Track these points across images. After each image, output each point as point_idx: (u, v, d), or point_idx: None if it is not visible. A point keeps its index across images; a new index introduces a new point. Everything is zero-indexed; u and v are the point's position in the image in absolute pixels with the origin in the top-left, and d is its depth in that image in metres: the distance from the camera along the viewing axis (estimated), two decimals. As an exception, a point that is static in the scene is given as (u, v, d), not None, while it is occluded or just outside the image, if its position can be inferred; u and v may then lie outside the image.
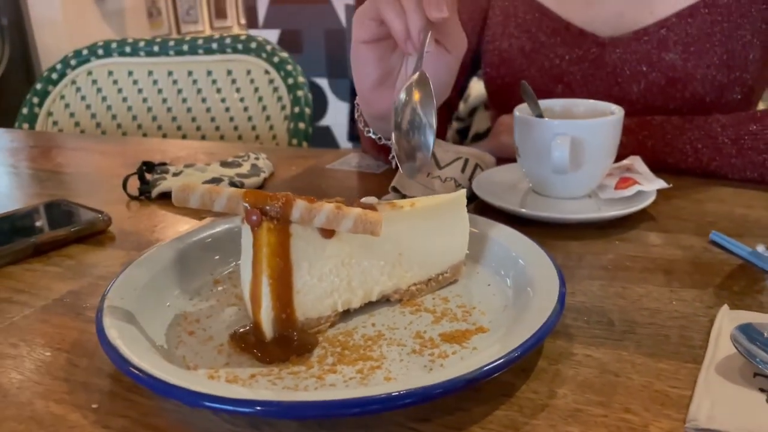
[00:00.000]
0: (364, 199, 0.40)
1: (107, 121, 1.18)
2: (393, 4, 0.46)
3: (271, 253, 0.35)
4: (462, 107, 1.25)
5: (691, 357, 0.34)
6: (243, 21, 5.89)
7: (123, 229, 0.56)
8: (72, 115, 1.19)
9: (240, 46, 1.12)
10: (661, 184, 0.53)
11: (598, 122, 0.51)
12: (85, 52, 1.19)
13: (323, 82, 3.87)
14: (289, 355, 0.34)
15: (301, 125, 1.06)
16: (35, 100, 1.17)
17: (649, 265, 0.45)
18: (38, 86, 1.18)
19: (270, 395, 0.30)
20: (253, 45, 1.12)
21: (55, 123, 1.18)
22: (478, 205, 0.56)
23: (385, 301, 0.40)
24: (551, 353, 0.35)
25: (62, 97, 1.19)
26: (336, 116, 3.57)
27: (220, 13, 5.88)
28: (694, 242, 0.48)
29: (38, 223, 0.55)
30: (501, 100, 0.80)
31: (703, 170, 0.62)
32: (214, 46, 1.14)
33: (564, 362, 0.34)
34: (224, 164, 0.68)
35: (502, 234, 0.45)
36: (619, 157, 0.60)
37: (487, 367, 0.30)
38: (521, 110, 0.54)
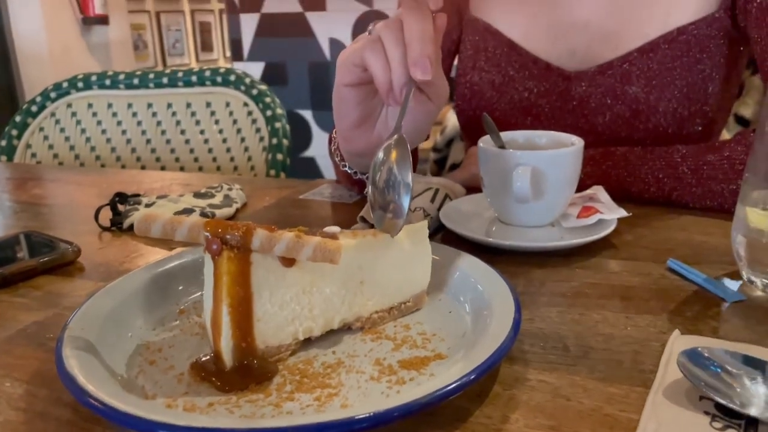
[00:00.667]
0: (326, 229, 0.41)
1: (86, 153, 1.19)
2: (378, 55, 0.47)
3: (231, 281, 0.36)
4: (439, 138, 1.27)
5: (642, 381, 0.35)
6: (228, 54, 5.96)
7: (93, 260, 0.56)
8: (51, 147, 1.19)
9: (219, 79, 1.14)
10: (621, 213, 0.55)
11: (558, 153, 0.53)
12: (65, 84, 1.20)
13: (307, 114, 3.91)
14: (248, 384, 0.35)
15: (279, 156, 1.07)
16: (14, 132, 1.18)
17: (607, 291, 0.46)
18: (17, 119, 1.18)
19: (226, 423, 0.30)
20: (233, 78, 1.13)
21: (33, 155, 1.18)
22: (445, 234, 0.57)
23: (346, 329, 0.40)
24: (506, 378, 0.36)
25: (41, 129, 1.19)
26: (320, 148, 3.59)
27: (206, 46, 5.94)
28: (652, 269, 0.49)
29: (7, 255, 0.55)
30: (473, 132, 0.82)
31: (665, 199, 0.63)
32: (194, 78, 1.15)
33: (518, 387, 0.35)
34: (197, 195, 0.69)
35: (465, 262, 0.46)
36: (585, 187, 0.62)
37: (440, 392, 0.30)
38: (485, 142, 0.56)
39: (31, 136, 1.19)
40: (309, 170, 3.88)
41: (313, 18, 3.75)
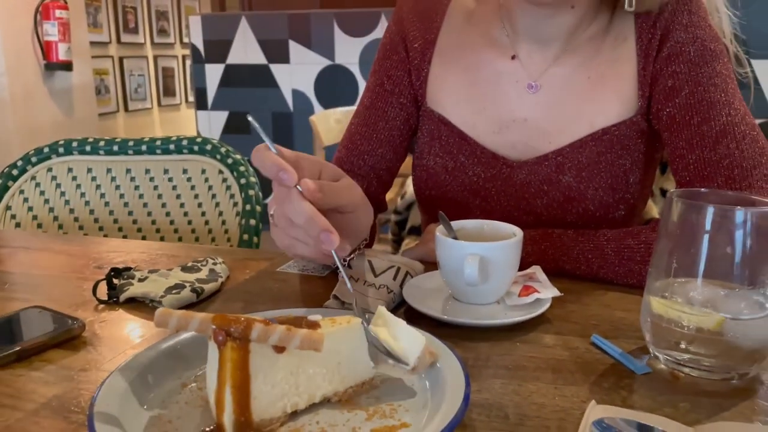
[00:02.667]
0: (310, 317, 0.49)
1: (65, 216, 1.25)
2: (298, 248, 0.62)
3: (233, 367, 0.44)
4: (399, 203, 1.38)
5: (564, 444, 0.44)
6: (191, 99, 6.03)
7: (95, 333, 0.63)
8: (30, 209, 1.25)
9: (196, 147, 1.22)
10: (555, 292, 0.65)
11: (501, 244, 0.63)
12: (46, 149, 1.26)
13: (270, 162, 3.98)
14: (248, 451, 0.43)
15: (252, 222, 1.15)
16: (-6, 194, 1.23)
17: (541, 364, 0.56)
18: (-2, 181, 1.24)
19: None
20: (209, 147, 1.22)
21: (13, 216, 1.24)
22: (407, 309, 0.66)
23: (327, 401, 0.49)
24: (458, 444, 0.44)
25: (21, 191, 1.25)
26: (282, 196, 3.65)
27: (168, 91, 6.00)
28: (579, 344, 0.59)
29: (19, 330, 0.61)
30: (429, 208, 0.92)
31: (594, 276, 0.74)
32: (171, 147, 1.23)
33: (467, 451, 0.44)
34: (185, 269, 0.77)
35: (427, 341, 0.55)
36: (526, 263, 0.72)
37: (404, 458, 0.39)
38: (441, 232, 0.66)
39: (11, 198, 1.24)
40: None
41: (277, 70, 3.88)
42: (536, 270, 0.71)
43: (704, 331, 0.51)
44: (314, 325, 0.48)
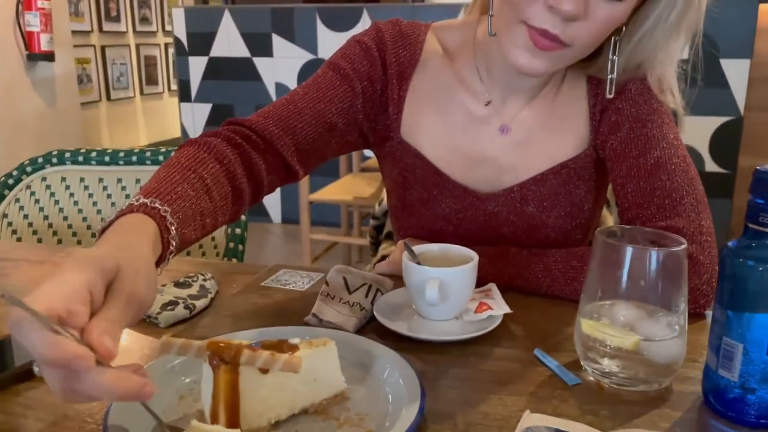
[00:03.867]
0: (290, 340, 0.58)
1: (59, 223, 1.32)
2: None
3: (225, 386, 0.52)
4: (377, 209, 1.46)
5: (500, 448, 0.53)
6: (174, 87, 6.04)
7: (100, 348, 0.71)
8: (26, 216, 1.32)
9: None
10: (506, 309, 0.74)
11: (459, 269, 0.72)
12: (40, 160, 1.33)
13: (253, 154, 4.05)
14: (238, 456, 0.52)
15: (238, 231, 1.23)
16: (-9, 203, 1.30)
17: (490, 377, 0.65)
18: (-5, 191, 1.30)
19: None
20: (196, 159, 1.29)
21: (9, 224, 1.30)
22: (377, 325, 0.75)
23: (304, 412, 0.58)
24: (413, 448, 0.54)
25: (17, 200, 1.32)
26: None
27: (150, 80, 6.01)
28: (523, 357, 0.69)
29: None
30: (403, 228, 1.00)
31: (544, 293, 0.83)
32: (161, 157, 1.30)
33: (420, 454, 0.53)
34: (177, 285, 0.85)
35: (389, 356, 0.64)
36: (484, 280, 0.81)
37: (367, 462, 0.48)
38: (407, 257, 0.75)
39: (8, 206, 1.31)
40: (260, 210, 4.02)
41: (260, 63, 3.93)
42: (492, 287, 0.80)
43: (623, 350, 0.61)
44: (294, 348, 0.56)
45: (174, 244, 0.64)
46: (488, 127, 0.92)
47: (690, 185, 0.81)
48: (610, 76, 0.82)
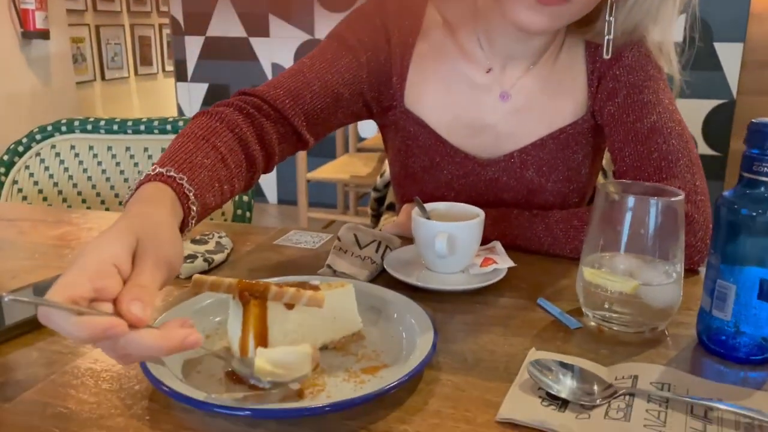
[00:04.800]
0: (311, 281, 0.62)
1: (69, 190, 1.34)
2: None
3: (255, 320, 0.56)
4: (379, 181, 1.49)
5: (509, 379, 0.57)
6: (169, 68, 6.02)
7: (123, 296, 0.74)
8: (36, 183, 1.34)
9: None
10: (510, 263, 0.78)
11: (466, 224, 0.75)
12: (49, 128, 1.35)
13: (250, 134, 4.06)
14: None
15: (245, 198, 1.27)
16: (1, 170, 1.32)
17: (495, 321, 0.69)
18: (5, 157, 1.33)
19: (256, 405, 0.51)
20: (203, 128, 1.32)
21: (20, 190, 1.33)
22: (388, 277, 0.78)
23: (325, 348, 0.61)
24: (427, 378, 0.57)
25: (27, 167, 1.34)
26: (263, 168, 3.74)
27: (145, 60, 5.98)
28: (527, 305, 0.73)
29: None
30: (406, 195, 1.04)
31: (545, 252, 0.87)
32: (168, 127, 1.33)
33: (434, 384, 0.57)
34: (194, 241, 0.88)
35: (401, 301, 0.68)
36: (487, 239, 0.85)
37: (387, 388, 0.52)
38: (416, 213, 0.78)
39: (18, 173, 1.33)
40: (254, 189, 4.03)
41: (257, 43, 3.93)
42: (496, 244, 0.84)
43: (623, 294, 0.65)
44: (316, 288, 0.60)
45: (194, 209, 0.66)
46: (489, 95, 0.95)
47: (685, 148, 0.85)
48: (607, 37, 0.86)
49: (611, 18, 0.85)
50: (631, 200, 0.63)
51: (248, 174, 0.82)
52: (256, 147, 0.82)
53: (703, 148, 3.24)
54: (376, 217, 1.47)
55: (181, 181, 0.66)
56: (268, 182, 4.12)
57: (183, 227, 0.65)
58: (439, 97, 0.96)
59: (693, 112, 3.21)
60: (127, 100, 5.86)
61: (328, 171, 3.04)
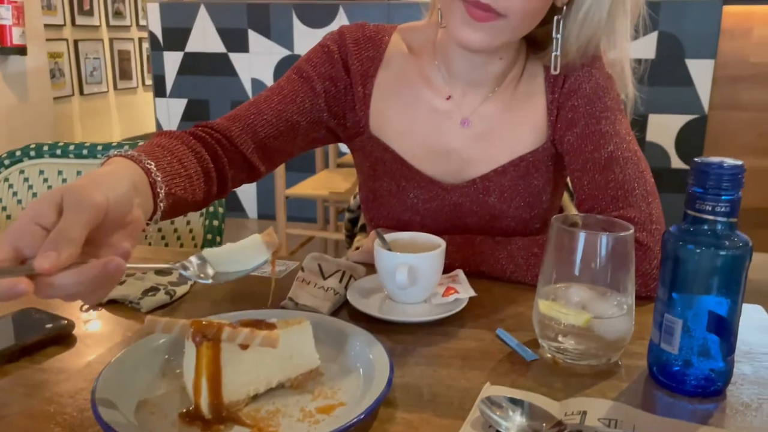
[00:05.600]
0: (268, 320, 0.62)
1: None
2: None
3: (208, 361, 0.56)
4: (352, 202, 1.50)
5: (462, 416, 0.58)
6: (148, 82, 5.99)
7: (84, 331, 0.74)
8: (4, 209, 1.33)
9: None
10: (471, 293, 0.79)
11: (426, 255, 0.76)
12: (18, 153, 1.34)
13: (229, 149, 4.06)
14: (220, 426, 0.55)
15: (215, 222, 1.27)
16: (-31, 195, 1.31)
17: (454, 353, 0.70)
18: (-27, 183, 1.32)
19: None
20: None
21: (-13, 216, 1.32)
22: (351, 307, 0.79)
23: (281, 386, 0.62)
24: (383, 416, 0.58)
25: (-5, 192, 1.33)
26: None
27: (124, 74, 5.96)
28: (486, 336, 0.74)
29: (19, 328, 0.72)
30: (374, 218, 1.05)
31: (507, 279, 0.88)
32: (138, 151, 1.33)
33: (389, 422, 0.57)
34: (158, 273, 0.88)
35: (360, 335, 0.68)
36: (451, 266, 0.86)
37: (341, 428, 0.52)
38: (378, 244, 0.79)
39: (-15, 199, 1.32)
40: (236, 204, 4.04)
41: (236, 58, 3.93)
42: (459, 273, 0.85)
43: (576, 327, 0.66)
44: (272, 326, 0.60)
45: (159, 180, 0.69)
46: (450, 121, 0.97)
47: (641, 177, 0.87)
48: (554, 53, 0.89)
49: (558, 35, 0.87)
50: (581, 235, 0.65)
51: (205, 187, 0.84)
52: (210, 165, 0.85)
53: (676, 162, 3.29)
54: (350, 237, 1.48)
55: (135, 155, 0.69)
56: (248, 197, 4.11)
57: (155, 199, 0.69)
58: (403, 122, 0.98)
59: (666, 127, 3.26)
60: (105, 115, 5.82)
61: (307, 187, 3.04)
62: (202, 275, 0.61)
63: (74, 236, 0.51)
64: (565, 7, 0.86)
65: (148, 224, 0.68)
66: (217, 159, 0.87)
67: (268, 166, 0.96)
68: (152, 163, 0.70)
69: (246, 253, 0.62)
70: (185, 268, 0.62)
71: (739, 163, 0.58)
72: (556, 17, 0.87)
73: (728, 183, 0.57)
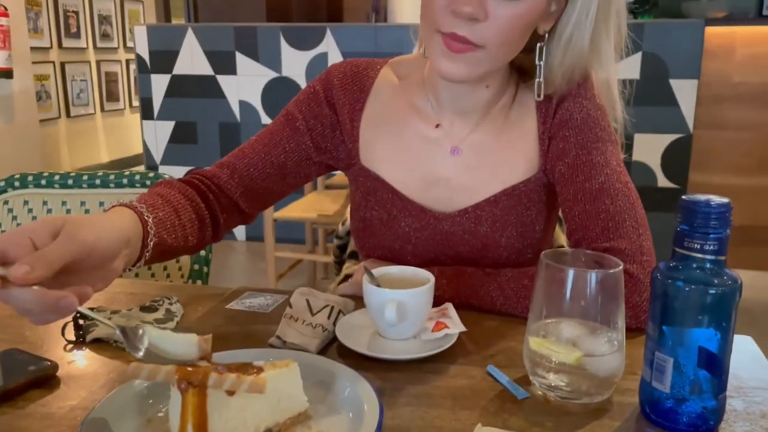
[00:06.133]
0: (255, 363, 0.61)
1: None
2: None
3: (193, 408, 0.55)
4: (340, 229, 1.50)
5: (453, 460, 0.57)
6: (135, 104, 5.98)
7: (67, 373, 0.73)
8: (-13, 240, 1.31)
9: (148, 182, 1.31)
10: (461, 328, 0.78)
11: (415, 291, 0.76)
12: (2, 183, 1.33)
13: (217, 171, 4.04)
14: (205, 475, 0.54)
15: (203, 252, 1.25)
16: (-48, 227, 1.29)
17: (444, 392, 0.69)
18: (-45, 215, 1.30)
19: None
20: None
21: (-30, 248, 1.30)
22: (339, 345, 0.78)
23: (269, 431, 0.61)
24: (372, 462, 0.57)
25: (-22, 224, 1.31)
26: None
27: (111, 96, 5.94)
28: (477, 373, 0.73)
29: (0, 372, 0.71)
30: (366, 247, 1.04)
31: (498, 311, 0.88)
32: (125, 181, 1.32)
33: (378, 468, 0.56)
34: (143, 309, 0.87)
35: (349, 375, 0.67)
36: (441, 298, 0.86)
37: (328, 477, 0.51)
38: (366, 279, 0.78)
39: (-32, 231, 1.30)
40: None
41: (224, 80, 3.93)
42: (448, 306, 0.84)
43: (566, 365, 0.65)
44: (259, 370, 0.60)
45: (150, 222, 0.77)
46: (440, 149, 0.97)
47: (631, 209, 0.87)
48: (537, 80, 0.90)
49: (540, 62, 0.88)
50: (571, 272, 0.64)
51: (200, 233, 0.91)
52: (204, 211, 0.92)
53: (663, 181, 3.32)
54: (339, 264, 1.47)
55: (137, 206, 0.78)
56: (236, 219, 4.09)
57: (143, 249, 0.76)
58: (393, 151, 0.99)
59: (652, 146, 3.29)
60: (93, 137, 5.80)
61: (296, 209, 3.03)
62: (138, 345, 0.61)
63: (53, 261, 0.58)
64: (547, 35, 0.87)
65: (130, 269, 0.77)
66: (210, 206, 0.94)
67: (258, 208, 1.02)
68: (150, 215, 0.78)
69: (180, 346, 0.61)
70: (125, 334, 0.61)
71: (726, 201, 0.58)
72: (538, 44, 0.88)
73: (716, 222, 0.57)
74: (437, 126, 0.97)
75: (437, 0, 0.82)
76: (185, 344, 0.60)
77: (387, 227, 0.99)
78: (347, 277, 1.24)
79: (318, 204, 3.09)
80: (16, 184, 1.33)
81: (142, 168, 4.65)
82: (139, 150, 5.05)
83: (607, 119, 0.93)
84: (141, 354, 0.60)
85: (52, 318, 0.59)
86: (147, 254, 0.77)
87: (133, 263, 0.76)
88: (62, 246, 0.59)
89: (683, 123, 3.24)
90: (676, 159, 3.29)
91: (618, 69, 0.92)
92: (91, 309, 0.86)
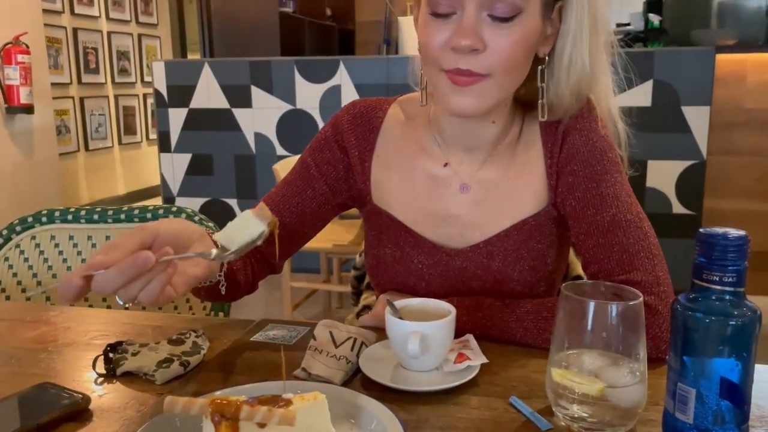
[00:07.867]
0: (284, 395, 0.63)
1: (49, 281, 1.35)
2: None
3: (227, 440, 0.57)
4: (358, 260, 1.52)
5: (480, 491, 0.58)
6: (152, 137, 6.09)
7: (99, 406, 0.75)
8: (15, 275, 1.34)
9: (171, 216, 1.34)
10: (483, 359, 0.79)
11: (438, 323, 0.77)
12: (30, 219, 1.37)
13: (233, 202, 4.10)
14: (238, 507, 0.56)
15: (224, 285, 1.27)
16: (-19, 262, 1.32)
17: (468, 424, 0.70)
18: (-16, 250, 1.33)
19: None
20: (183, 216, 1.34)
21: (-1, 282, 1.33)
22: (363, 377, 0.79)
23: (298, 463, 0.62)
24: (400, 494, 0.58)
25: (6, 259, 1.35)
26: (246, 237, 3.75)
27: (129, 129, 6.05)
28: (499, 404, 0.74)
29: (34, 406, 0.73)
30: (380, 284, 1.06)
31: (517, 342, 0.89)
32: (149, 215, 1.35)
33: (406, 499, 0.57)
34: (171, 342, 0.89)
35: (374, 407, 0.68)
36: (461, 330, 0.87)
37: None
38: (388, 311, 0.80)
39: (-3, 265, 1.34)
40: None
41: (240, 113, 4.01)
42: (469, 338, 0.85)
43: (589, 396, 0.66)
44: (288, 402, 0.61)
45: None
46: (449, 187, 1.00)
47: (644, 239, 0.88)
48: (540, 101, 0.92)
49: (542, 84, 0.91)
50: (591, 304, 0.66)
51: (253, 280, 1.04)
52: (246, 270, 1.02)
53: (678, 208, 3.31)
54: (357, 295, 1.49)
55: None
56: (252, 250, 4.12)
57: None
58: (403, 190, 1.02)
59: (666, 173, 3.29)
60: (110, 170, 5.90)
61: (311, 240, 3.05)
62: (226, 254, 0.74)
63: (120, 244, 0.69)
64: (547, 58, 0.90)
65: (210, 282, 0.88)
66: (246, 260, 1.00)
67: (284, 257, 1.09)
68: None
69: (246, 229, 0.72)
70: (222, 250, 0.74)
71: (743, 233, 0.59)
72: (540, 67, 0.90)
73: (734, 254, 0.58)
74: (446, 165, 1.00)
75: (434, 40, 0.85)
76: (248, 225, 0.68)
77: (400, 264, 1.01)
78: (366, 308, 1.25)
79: (333, 234, 3.11)
80: (44, 219, 1.37)
81: (159, 200, 4.70)
82: (155, 182, 5.13)
83: (614, 149, 0.95)
84: (232, 254, 0.74)
85: (136, 286, 0.68)
86: (221, 275, 0.86)
87: (213, 277, 0.86)
88: (129, 233, 0.71)
89: (696, 149, 3.25)
90: (691, 185, 3.29)
91: (625, 96, 0.95)
92: (120, 342, 0.88)
